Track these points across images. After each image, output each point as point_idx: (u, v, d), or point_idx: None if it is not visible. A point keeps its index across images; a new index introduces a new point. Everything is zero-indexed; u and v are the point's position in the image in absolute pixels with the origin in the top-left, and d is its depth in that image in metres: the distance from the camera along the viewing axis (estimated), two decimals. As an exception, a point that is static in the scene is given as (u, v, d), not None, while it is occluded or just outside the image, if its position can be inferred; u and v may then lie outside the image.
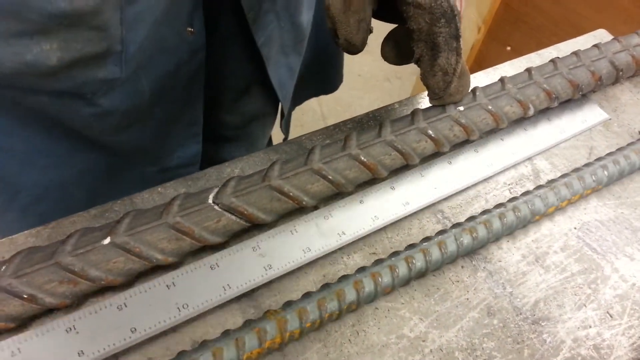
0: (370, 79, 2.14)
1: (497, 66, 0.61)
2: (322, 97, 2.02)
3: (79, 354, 0.34)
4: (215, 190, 0.40)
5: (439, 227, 0.45)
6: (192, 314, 0.37)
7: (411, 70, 2.18)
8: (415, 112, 0.47)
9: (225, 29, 0.60)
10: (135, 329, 0.35)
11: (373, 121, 0.53)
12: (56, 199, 0.54)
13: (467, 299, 0.41)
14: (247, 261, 0.40)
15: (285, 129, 0.84)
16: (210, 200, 0.39)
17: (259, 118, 0.80)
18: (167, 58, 0.49)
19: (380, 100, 2.04)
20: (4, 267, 0.34)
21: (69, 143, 0.50)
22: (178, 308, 0.37)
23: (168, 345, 0.36)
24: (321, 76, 0.83)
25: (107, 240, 0.36)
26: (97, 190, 0.57)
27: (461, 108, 0.48)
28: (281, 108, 0.76)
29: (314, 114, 1.94)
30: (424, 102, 0.57)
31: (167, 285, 0.37)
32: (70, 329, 0.34)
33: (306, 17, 0.64)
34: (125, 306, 0.36)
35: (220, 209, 0.39)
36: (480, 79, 0.59)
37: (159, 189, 0.44)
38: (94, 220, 0.42)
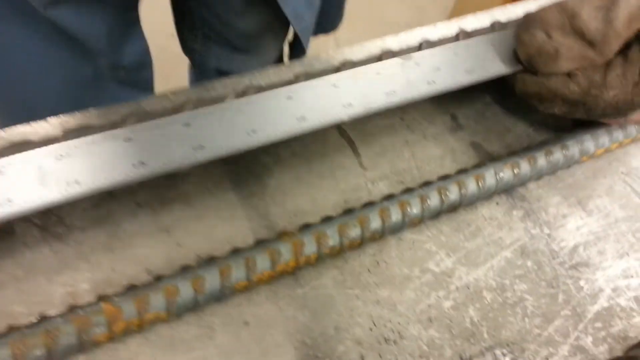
0: (393, 25, 2.04)
1: None
2: (340, 42, 1.93)
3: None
4: (233, 96, 0.36)
5: (475, 161, 0.41)
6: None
7: (438, 19, 2.08)
8: (460, 32, 0.42)
9: None
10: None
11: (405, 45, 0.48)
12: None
13: (500, 237, 0.37)
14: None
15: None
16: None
17: (271, 29, 0.75)
18: None
19: (402, 47, 1.95)
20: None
21: (18, 5, 0.47)
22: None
23: (170, 258, 0.33)
24: (322, 13, 0.77)
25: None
26: (47, 70, 0.55)
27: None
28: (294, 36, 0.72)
29: (331, 57, 1.86)
30: (464, 27, 0.51)
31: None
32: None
33: None
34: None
35: (236, 116, 0.34)
36: (532, 6, 0.53)
37: (169, 95, 0.40)
38: (97, 121, 0.37)
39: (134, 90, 0.63)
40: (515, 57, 0.39)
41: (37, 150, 0.29)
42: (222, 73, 0.85)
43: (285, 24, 0.71)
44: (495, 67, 0.39)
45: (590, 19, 0.35)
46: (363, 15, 2.03)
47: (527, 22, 0.38)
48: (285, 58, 0.85)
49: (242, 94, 0.36)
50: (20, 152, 0.30)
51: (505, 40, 0.40)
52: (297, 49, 0.75)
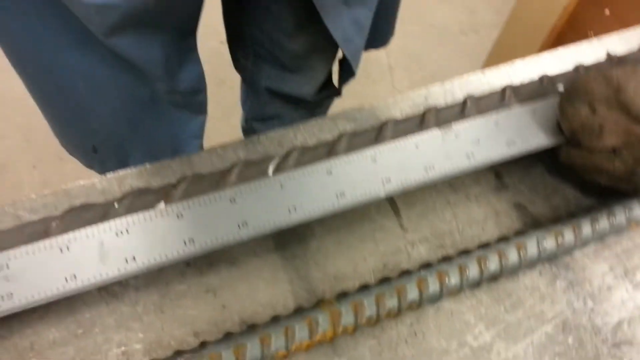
0: (443, 30, 2.01)
1: (602, 38, 0.53)
2: (390, 47, 1.92)
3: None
4: (277, 160, 0.37)
5: (519, 224, 0.41)
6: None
7: (491, 22, 2.03)
8: (506, 88, 0.42)
9: None
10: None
11: (451, 94, 0.48)
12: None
13: (542, 310, 0.37)
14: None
15: (341, 84, 0.81)
16: (270, 172, 0.36)
17: (321, 51, 0.77)
18: None
19: (453, 55, 1.92)
20: (54, 224, 0.32)
21: (79, 31, 0.50)
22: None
23: (216, 321, 0.35)
24: (373, 29, 0.78)
25: (161, 206, 0.34)
26: (105, 93, 0.58)
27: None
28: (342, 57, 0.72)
29: (379, 65, 1.86)
30: (514, 73, 0.50)
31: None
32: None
33: None
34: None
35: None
36: (584, 52, 0.52)
37: (218, 149, 0.42)
38: (150, 177, 0.40)
39: (188, 112, 0.66)
40: (558, 128, 0.38)
41: (99, 225, 0.31)
42: (271, 92, 0.87)
43: (334, 45, 0.73)
44: (537, 139, 0.38)
45: (636, 95, 0.34)
46: (413, 21, 2.01)
47: (571, 93, 0.37)
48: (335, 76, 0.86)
49: (286, 156, 0.37)
50: (81, 218, 0.33)
51: (548, 108, 0.40)
52: (347, 71, 0.75)
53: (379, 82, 1.81)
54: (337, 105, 1.66)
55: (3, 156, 1.52)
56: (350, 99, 1.77)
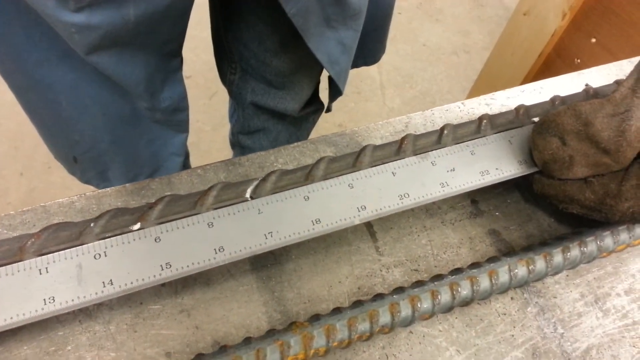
0: (436, 50, 2.04)
1: (582, 71, 0.55)
2: (383, 65, 1.95)
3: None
4: (255, 183, 0.37)
5: (492, 251, 0.41)
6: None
7: (482, 45, 2.06)
8: (482, 118, 0.43)
9: None
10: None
11: (431, 122, 0.49)
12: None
13: (513, 335, 0.38)
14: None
15: (330, 101, 0.82)
16: (247, 195, 0.36)
17: (306, 69, 0.79)
18: None
19: (445, 74, 1.94)
20: (30, 242, 0.33)
21: (63, 47, 0.50)
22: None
23: (189, 342, 0.35)
24: (363, 47, 0.79)
25: (136, 226, 0.34)
26: (87, 108, 0.58)
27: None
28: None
29: (372, 82, 1.88)
30: (493, 104, 0.52)
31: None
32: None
33: None
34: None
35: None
36: (563, 83, 0.53)
37: (199, 170, 0.42)
38: (129, 197, 0.40)
39: (169, 130, 0.67)
40: (532, 158, 0.39)
41: (77, 247, 0.31)
42: (257, 106, 0.88)
43: (319, 64, 0.74)
44: (511, 168, 0.39)
45: (603, 128, 0.35)
46: (406, 40, 2.03)
47: (542, 126, 0.38)
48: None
49: (264, 180, 0.38)
50: (57, 237, 0.33)
51: (523, 137, 0.41)
52: (334, 89, 0.77)
53: (371, 99, 1.82)
54: (328, 121, 1.67)
55: (-9, 164, 1.52)
56: (342, 115, 1.79)
